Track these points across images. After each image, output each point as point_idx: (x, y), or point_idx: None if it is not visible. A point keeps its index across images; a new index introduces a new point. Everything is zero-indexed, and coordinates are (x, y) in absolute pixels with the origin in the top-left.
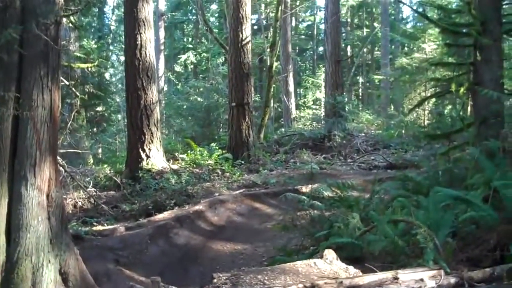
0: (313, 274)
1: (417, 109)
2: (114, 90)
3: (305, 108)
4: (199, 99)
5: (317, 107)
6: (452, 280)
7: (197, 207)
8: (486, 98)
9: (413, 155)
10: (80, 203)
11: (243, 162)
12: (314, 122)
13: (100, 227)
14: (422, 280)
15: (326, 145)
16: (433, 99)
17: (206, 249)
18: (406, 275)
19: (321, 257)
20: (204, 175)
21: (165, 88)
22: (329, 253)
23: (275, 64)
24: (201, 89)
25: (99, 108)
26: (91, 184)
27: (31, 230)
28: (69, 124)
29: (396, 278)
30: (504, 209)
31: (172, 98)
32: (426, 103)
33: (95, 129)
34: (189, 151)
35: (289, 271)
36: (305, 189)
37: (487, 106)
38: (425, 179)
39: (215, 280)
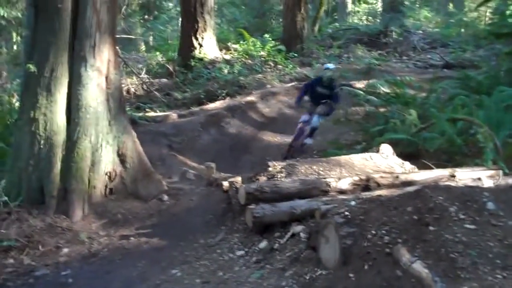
0: (369, 168)
1: (479, 8)
2: None
3: (361, 2)
4: None
5: (374, 1)
6: (510, 180)
7: (248, 98)
8: None
9: (472, 54)
10: (133, 89)
11: (296, 54)
12: (370, 17)
13: (153, 113)
14: (479, 179)
15: (382, 41)
16: None
17: (256, 139)
18: (464, 173)
19: (377, 151)
20: (257, 66)
21: None
22: (386, 148)
23: None
24: None
25: None
26: (144, 71)
27: (90, 111)
28: (123, 9)
29: (453, 176)
30: None
31: None
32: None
33: (146, 16)
34: (241, 42)
35: (345, 164)
36: (360, 84)
37: None
38: (486, 78)
39: (270, 169)
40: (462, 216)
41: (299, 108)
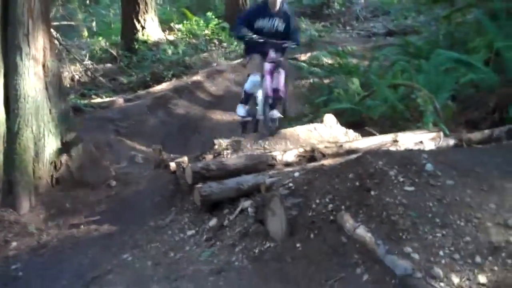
0: (314, 139)
1: None
2: None
3: None
4: None
5: None
6: (451, 142)
7: (195, 78)
8: None
9: (414, 21)
10: (77, 77)
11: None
12: None
13: (98, 100)
14: (421, 142)
15: (325, 13)
16: None
17: (205, 118)
18: (406, 138)
19: (321, 122)
20: (201, 45)
21: None
22: (329, 118)
23: None
24: None
25: None
26: (87, 57)
27: (29, 101)
28: None
29: (395, 141)
30: (505, 72)
31: None
32: None
33: (87, 1)
34: (185, 21)
35: (290, 136)
36: (304, 57)
37: None
38: (426, 43)
39: (216, 146)
40: (401, 179)
41: (240, 41)
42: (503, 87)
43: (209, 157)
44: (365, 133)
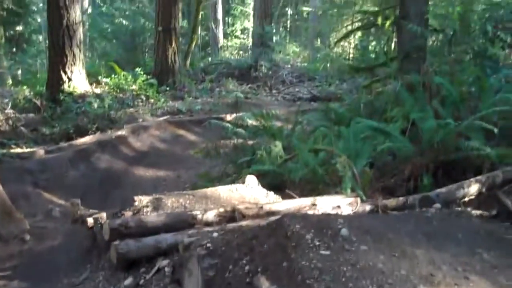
0: (235, 199)
1: (343, 43)
2: (35, 9)
3: (233, 37)
4: (124, 22)
5: (245, 36)
6: (368, 207)
7: (119, 132)
8: (410, 33)
9: (337, 88)
10: None
11: (168, 88)
12: (241, 52)
13: (18, 150)
14: (339, 206)
15: (252, 75)
16: (359, 33)
17: (128, 174)
18: (324, 202)
19: (243, 182)
20: (128, 101)
21: (89, 10)
22: (251, 179)
23: None
24: (127, 12)
25: (19, 28)
26: (10, 106)
27: None
28: None
29: (314, 204)
30: (420, 142)
31: (97, 20)
32: (352, 37)
33: (14, 49)
34: (112, 75)
35: (211, 196)
36: (230, 117)
37: (411, 40)
38: (347, 110)
39: (136, 203)
40: (317, 243)
41: None
42: (418, 156)
43: (128, 214)
44: (285, 196)
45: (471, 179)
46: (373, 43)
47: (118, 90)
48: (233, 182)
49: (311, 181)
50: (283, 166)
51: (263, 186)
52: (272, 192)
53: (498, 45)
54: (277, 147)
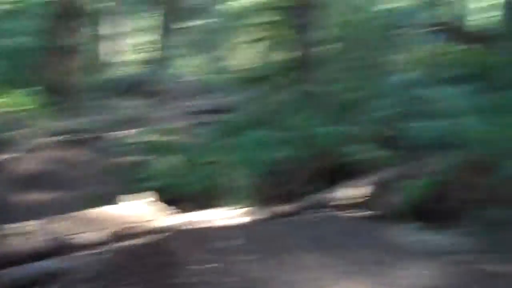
0: (125, 217)
1: (243, 54)
2: None
3: (134, 51)
4: (7, 41)
5: (146, 50)
6: (262, 216)
7: (5, 156)
8: (306, 42)
9: (237, 98)
10: None
11: (62, 107)
12: (142, 66)
13: None
14: (233, 217)
15: (152, 90)
16: (259, 44)
17: (8, 198)
18: (217, 214)
19: (140, 199)
20: (17, 121)
21: None
22: (148, 195)
23: None
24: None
25: None
26: None
27: None
28: None
29: (209, 217)
30: (314, 148)
31: None
32: (251, 47)
33: None
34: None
35: (99, 216)
36: (127, 133)
37: (307, 50)
38: (245, 121)
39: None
40: (207, 257)
41: None
42: (313, 162)
43: None
44: (182, 210)
45: (358, 181)
46: (273, 54)
47: (7, 111)
48: (128, 199)
49: (207, 194)
50: (180, 180)
51: (160, 201)
52: (169, 207)
53: (391, 51)
54: (175, 161)
